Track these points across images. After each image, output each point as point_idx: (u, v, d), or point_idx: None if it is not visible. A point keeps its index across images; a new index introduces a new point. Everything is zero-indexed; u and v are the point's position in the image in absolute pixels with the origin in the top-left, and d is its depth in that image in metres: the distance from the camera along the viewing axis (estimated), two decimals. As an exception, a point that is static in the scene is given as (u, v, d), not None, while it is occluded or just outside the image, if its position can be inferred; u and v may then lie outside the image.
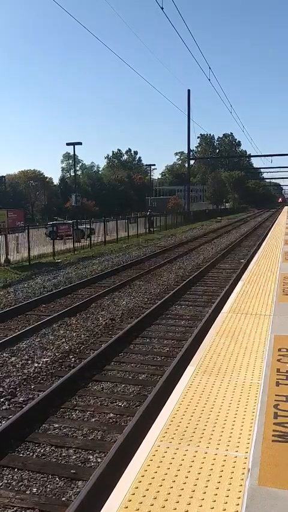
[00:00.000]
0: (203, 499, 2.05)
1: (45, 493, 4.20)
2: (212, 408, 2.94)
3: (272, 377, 3.40)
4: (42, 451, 4.93)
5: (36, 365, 7.44)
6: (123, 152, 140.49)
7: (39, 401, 5.83)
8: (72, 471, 4.50)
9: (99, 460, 4.68)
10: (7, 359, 7.76)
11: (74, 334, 9.14)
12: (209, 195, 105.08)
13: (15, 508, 4.00)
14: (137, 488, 2.14)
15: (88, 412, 5.80)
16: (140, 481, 2.19)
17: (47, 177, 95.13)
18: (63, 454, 4.85)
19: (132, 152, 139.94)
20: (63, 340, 8.74)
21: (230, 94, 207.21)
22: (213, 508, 1.99)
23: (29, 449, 4.97)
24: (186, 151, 64.08)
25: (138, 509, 1.99)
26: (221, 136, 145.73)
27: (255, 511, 1.97)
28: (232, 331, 4.66)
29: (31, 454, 4.89)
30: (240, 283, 7.41)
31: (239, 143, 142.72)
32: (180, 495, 2.08)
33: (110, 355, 7.71)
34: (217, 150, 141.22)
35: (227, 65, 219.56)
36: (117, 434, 5.14)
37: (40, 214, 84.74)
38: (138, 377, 6.90)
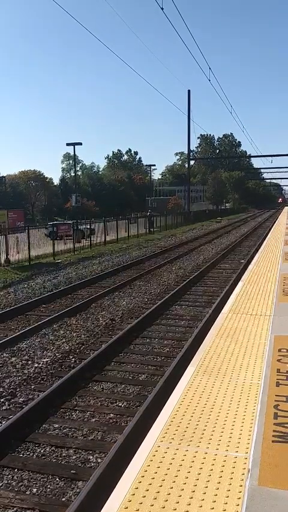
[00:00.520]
0: (203, 499, 2.05)
1: (45, 493, 4.20)
2: (212, 408, 2.94)
3: (272, 378, 3.40)
4: (42, 451, 4.93)
5: (36, 365, 7.44)
6: (124, 152, 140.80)
7: (39, 402, 5.83)
8: (72, 471, 4.50)
9: (99, 460, 4.68)
10: (7, 359, 7.77)
11: (74, 334, 9.14)
12: (209, 195, 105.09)
13: (15, 508, 4.00)
14: (137, 488, 2.14)
15: (88, 412, 5.80)
16: (140, 481, 2.19)
17: (47, 177, 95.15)
18: (64, 454, 4.85)
19: (132, 152, 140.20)
20: (64, 340, 8.75)
21: (230, 94, 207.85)
22: (213, 508, 1.99)
23: (29, 450, 4.97)
24: (186, 152, 64.15)
25: (138, 510, 1.99)
26: (221, 136, 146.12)
27: (255, 511, 1.97)
28: (232, 331, 4.66)
29: (31, 454, 4.89)
30: (240, 284, 7.41)
31: (239, 144, 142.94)
32: (180, 495, 2.08)
33: (110, 355, 7.72)
34: (217, 150, 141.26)
35: (227, 65, 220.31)
36: (117, 435, 5.14)
37: (40, 215, 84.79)
38: (138, 377, 6.90)
